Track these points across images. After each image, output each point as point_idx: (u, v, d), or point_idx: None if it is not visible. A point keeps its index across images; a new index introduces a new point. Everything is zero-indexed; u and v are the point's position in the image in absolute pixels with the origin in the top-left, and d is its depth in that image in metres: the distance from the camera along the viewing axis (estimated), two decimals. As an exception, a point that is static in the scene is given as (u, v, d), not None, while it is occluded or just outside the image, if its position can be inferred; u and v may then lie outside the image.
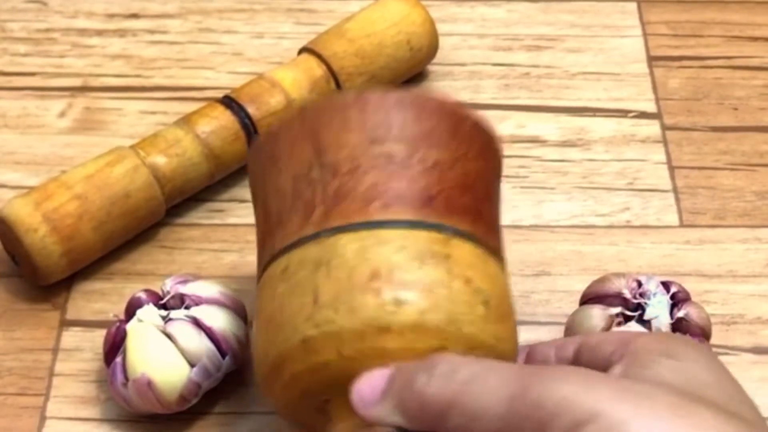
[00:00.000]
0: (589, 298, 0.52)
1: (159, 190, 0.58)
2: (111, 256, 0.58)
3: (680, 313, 0.51)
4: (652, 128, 0.65)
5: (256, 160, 0.49)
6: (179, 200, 0.60)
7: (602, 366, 0.42)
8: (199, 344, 0.51)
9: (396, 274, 0.43)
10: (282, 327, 0.44)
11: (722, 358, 0.55)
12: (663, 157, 0.63)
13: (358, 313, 0.42)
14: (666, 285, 0.52)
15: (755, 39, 0.69)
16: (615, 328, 0.50)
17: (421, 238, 0.44)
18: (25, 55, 0.68)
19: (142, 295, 0.53)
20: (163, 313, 0.52)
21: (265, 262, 0.46)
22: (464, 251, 0.44)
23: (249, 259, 0.59)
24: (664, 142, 0.64)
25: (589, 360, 0.44)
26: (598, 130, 0.65)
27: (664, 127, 0.65)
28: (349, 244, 0.43)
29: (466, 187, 0.45)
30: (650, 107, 0.66)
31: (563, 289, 0.57)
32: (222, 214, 0.61)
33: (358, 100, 0.45)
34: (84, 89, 0.66)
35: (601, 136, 0.64)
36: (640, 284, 0.51)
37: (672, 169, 0.63)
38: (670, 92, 0.67)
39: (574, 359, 0.45)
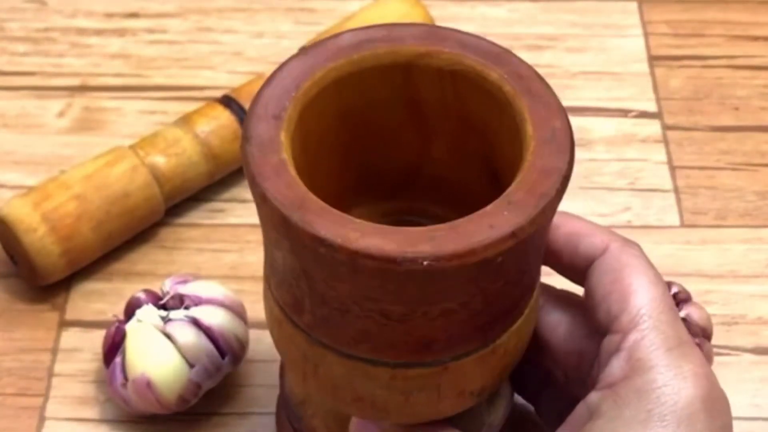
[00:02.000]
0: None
1: (158, 190, 0.58)
2: (110, 256, 0.58)
3: (681, 314, 0.51)
4: (653, 128, 0.65)
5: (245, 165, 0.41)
6: (178, 200, 0.60)
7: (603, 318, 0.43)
8: (198, 344, 0.51)
9: (379, 402, 0.42)
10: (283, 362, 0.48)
11: (723, 359, 0.55)
12: (664, 157, 0.63)
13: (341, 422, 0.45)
14: (668, 285, 0.51)
15: (756, 38, 0.69)
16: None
17: (410, 374, 0.41)
18: (24, 54, 0.68)
19: (142, 296, 0.52)
20: (163, 313, 0.52)
21: (266, 272, 0.44)
22: (462, 366, 0.42)
23: (249, 259, 0.59)
24: (665, 141, 0.64)
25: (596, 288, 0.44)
26: (599, 130, 0.65)
27: (665, 127, 0.65)
28: (336, 364, 0.42)
29: (476, 317, 0.40)
30: (651, 107, 0.66)
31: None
32: (222, 214, 0.61)
33: (348, 261, 0.37)
34: (83, 89, 0.66)
35: (602, 135, 0.64)
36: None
37: (673, 169, 0.63)
38: (671, 92, 0.67)
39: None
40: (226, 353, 0.51)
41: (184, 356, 0.51)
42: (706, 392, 0.41)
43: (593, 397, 0.42)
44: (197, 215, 0.61)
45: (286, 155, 0.40)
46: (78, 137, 0.64)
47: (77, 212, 0.55)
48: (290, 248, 0.39)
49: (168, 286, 0.53)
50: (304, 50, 0.43)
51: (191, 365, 0.51)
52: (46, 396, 0.54)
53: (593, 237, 0.44)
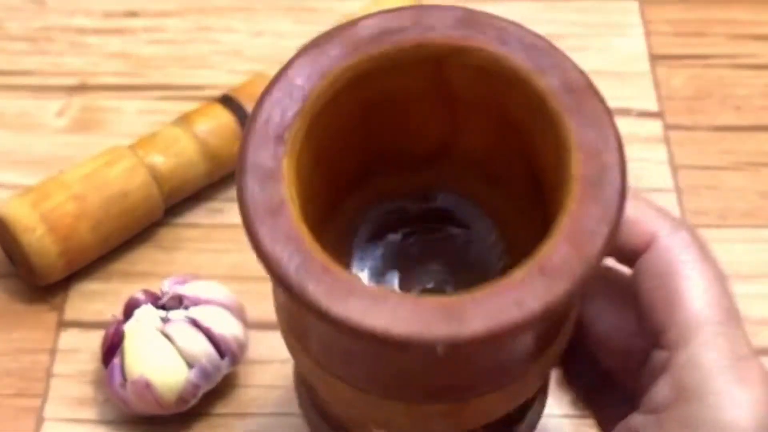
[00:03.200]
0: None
1: (157, 190, 0.58)
2: (109, 256, 0.58)
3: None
4: (654, 127, 0.64)
5: None
6: (178, 200, 0.59)
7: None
8: (197, 345, 0.51)
9: (396, 424, 0.39)
10: None
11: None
12: (665, 157, 0.63)
13: None
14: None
15: (758, 37, 0.69)
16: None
17: (428, 410, 0.38)
18: (23, 53, 0.67)
19: (141, 296, 0.52)
20: (162, 313, 0.52)
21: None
22: (485, 399, 0.38)
23: (248, 259, 0.58)
24: (666, 141, 0.64)
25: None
26: (600, 130, 0.64)
27: (667, 127, 0.65)
28: (347, 391, 0.39)
29: (502, 367, 0.38)
30: (652, 106, 0.66)
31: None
32: (221, 214, 0.60)
33: (350, 338, 0.35)
34: (82, 88, 0.66)
35: (603, 135, 0.64)
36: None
37: (674, 168, 0.63)
38: (672, 91, 0.66)
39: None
40: (225, 354, 0.51)
41: (183, 357, 0.51)
42: (763, 421, 0.36)
43: (636, 420, 0.37)
44: (197, 215, 0.60)
45: (287, 192, 0.36)
46: (77, 137, 0.63)
47: (76, 212, 0.55)
48: (289, 300, 0.36)
49: (167, 287, 0.53)
50: (315, 44, 0.38)
51: (190, 366, 0.51)
52: (44, 397, 0.54)
53: (637, 225, 0.39)
